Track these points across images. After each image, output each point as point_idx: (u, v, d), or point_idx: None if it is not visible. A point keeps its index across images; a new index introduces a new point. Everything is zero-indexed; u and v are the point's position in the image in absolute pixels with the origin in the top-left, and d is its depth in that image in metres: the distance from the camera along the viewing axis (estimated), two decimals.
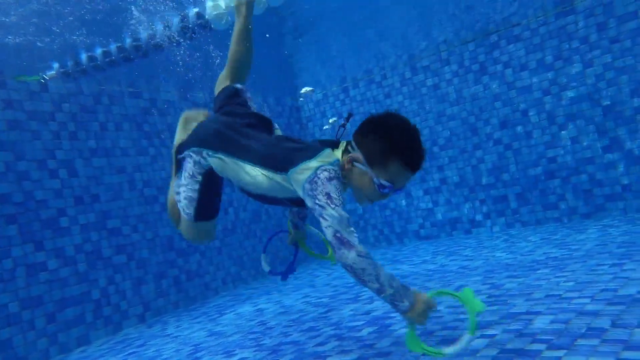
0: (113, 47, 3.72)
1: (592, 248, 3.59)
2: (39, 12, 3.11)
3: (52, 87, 4.16)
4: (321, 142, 1.91)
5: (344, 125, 1.96)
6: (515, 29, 5.48)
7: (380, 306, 3.10)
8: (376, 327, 2.63)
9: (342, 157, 1.85)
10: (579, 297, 2.38)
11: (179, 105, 5.43)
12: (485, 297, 2.76)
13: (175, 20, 3.54)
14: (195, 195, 2.09)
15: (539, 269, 3.23)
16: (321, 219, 1.73)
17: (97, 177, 4.37)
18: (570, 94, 5.20)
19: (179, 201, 2.17)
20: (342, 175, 1.84)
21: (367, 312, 3.02)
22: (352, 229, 1.72)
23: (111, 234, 4.36)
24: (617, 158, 4.97)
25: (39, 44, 3.65)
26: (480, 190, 5.82)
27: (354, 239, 1.71)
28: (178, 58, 4.32)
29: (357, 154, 1.81)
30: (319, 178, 1.74)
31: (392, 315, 2.80)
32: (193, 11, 3.44)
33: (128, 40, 3.63)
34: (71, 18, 3.34)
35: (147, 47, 3.59)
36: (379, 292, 1.72)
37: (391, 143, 1.76)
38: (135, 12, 3.33)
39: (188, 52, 4.18)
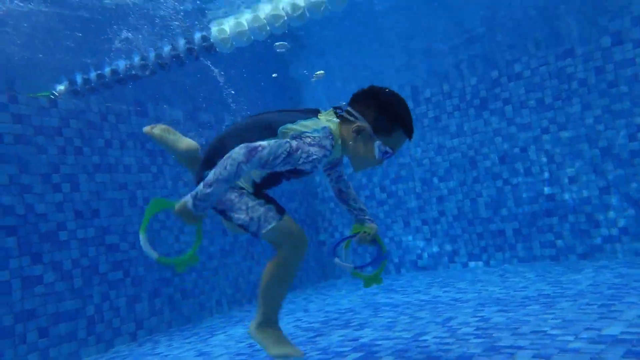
0: (122, 65, 3.86)
1: (584, 288, 3.59)
2: (48, 29, 3.26)
3: (61, 103, 4.29)
4: (305, 111, 2.04)
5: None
6: (516, 66, 5.61)
7: (369, 332, 3.11)
8: (362, 354, 2.64)
9: (338, 126, 1.99)
10: (564, 335, 2.40)
11: (185, 124, 5.55)
12: (472, 330, 2.77)
13: (181, 42, 3.69)
14: (258, 201, 2.11)
15: (529, 305, 3.23)
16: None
17: (99, 193, 4.45)
18: (568, 134, 5.28)
19: (255, 221, 2.09)
20: (343, 143, 1.99)
21: (356, 339, 3.03)
22: (269, 161, 1.84)
23: (109, 250, 4.41)
24: (614, 200, 5.01)
25: (49, 61, 3.80)
26: (479, 224, 5.85)
27: (254, 162, 1.82)
28: (184, 78, 4.46)
29: (364, 124, 1.96)
30: (302, 140, 1.88)
31: (379, 342, 2.81)
32: (199, 35, 3.59)
33: (136, 59, 3.77)
34: (80, 34, 3.47)
35: (155, 66, 3.73)
36: (204, 185, 1.86)
37: (395, 114, 1.97)
38: (143, 34, 3.48)
39: (193, 73, 4.32)
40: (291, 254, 2.13)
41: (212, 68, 4.11)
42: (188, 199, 1.92)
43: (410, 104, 6.53)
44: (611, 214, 5.01)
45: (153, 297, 4.70)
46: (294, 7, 3.40)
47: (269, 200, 2.20)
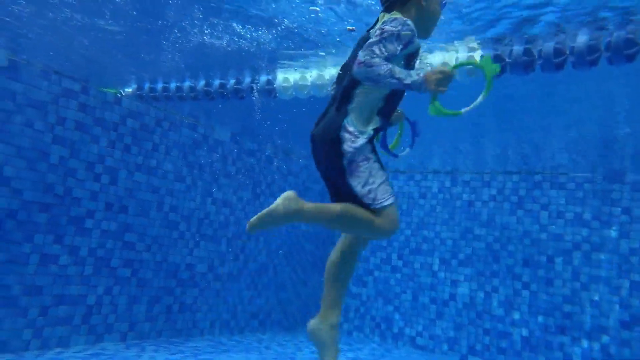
0: (186, 85, 4.09)
1: None
2: (131, 38, 3.51)
3: (124, 101, 4.56)
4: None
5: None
6: (561, 176, 5.56)
7: None
8: None
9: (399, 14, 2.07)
10: None
11: (228, 146, 5.75)
12: None
13: (247, 79, 3.89)
14: (382, 171, 2.06)
15: None
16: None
17: (132, 191, 4.64)
18: (600, 256, 5.14)
19: (378, 196, 2.01)
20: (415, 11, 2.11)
21: None
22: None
23: (124, 247, 4.55)
24: (634, 336, 4.79)
25: (125, 63, 4.08)
26: (488, 320, 5.69)
27: (386, 46, 1.92)
28: (238, 108, 4.66)
29: None
30: (391, 24, 1.99)
31: None
32: (265, 78, 3.78)
33: (201, 83, 4.00)
34: (156, 47, 3.71)
35: (216, 93, 3.94)
36: (389, 73, 1.88)
37: None
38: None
39: (248, 106, 4.49)
40: (379, 233, 2.10)
41: (267, 106, 4.29)
42: (416, 83, 1.91)
43: (448, 183, 6.57)
44: (626, 350, 4.78)
45: (153, 302, 4.78)
46: None
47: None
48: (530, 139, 4.99)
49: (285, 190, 2.08)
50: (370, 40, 1.96)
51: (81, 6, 3.05)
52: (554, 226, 5.49)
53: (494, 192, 6.02)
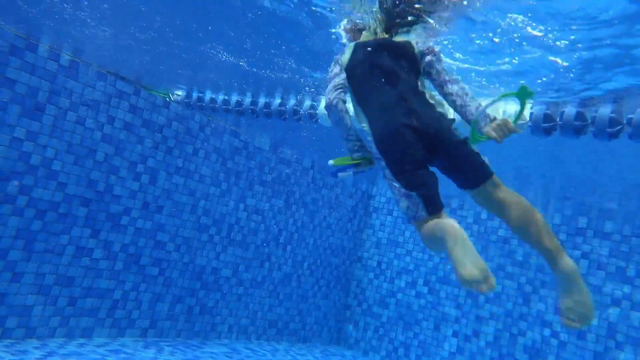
0: (234, 98, 4.14)
1: None
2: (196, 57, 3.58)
3: (172, 106, 4.67)
4: None
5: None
6: (607, 225, 5.28)
7: None
8: None
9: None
10: None
11: (267, 154, 5.79)
12: None
13: (291, 102, 3.89)
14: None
15: None
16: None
17: (169, 192, 4.74)
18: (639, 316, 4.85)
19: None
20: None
21: None
22: None
23: (155, 246, 4.66)
24: None
25: (180, 71, 4.16)
26: None
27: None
28: (279, 123, 4.68)
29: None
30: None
31: None
32: (308, 102, 3.77)
33: (248, 99, 4.04)
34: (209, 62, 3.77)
35: (260, 111, 3.96)
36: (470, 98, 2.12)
37: None
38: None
39: (289, 123, 4.50)
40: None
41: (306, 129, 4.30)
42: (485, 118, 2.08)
43: (484, 215, 6.31)
44: None
45: (175, 302, 4.88)
46: None
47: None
48: (578, 180, 4.75)
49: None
50: (436, 51, 2.21)
51: (148, 24, 3.14)
52: (593, 277, 5.22)
53: None
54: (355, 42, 2.38)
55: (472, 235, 6.18)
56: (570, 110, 2.66)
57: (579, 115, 2.66)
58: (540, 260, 5.58)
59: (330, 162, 2.22)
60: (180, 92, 4.65)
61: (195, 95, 4.43)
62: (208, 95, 4.30)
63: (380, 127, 2.15)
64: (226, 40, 3.12)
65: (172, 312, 4.86)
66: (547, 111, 2.74)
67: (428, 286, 6.37)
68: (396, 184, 2.09)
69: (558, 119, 2.72)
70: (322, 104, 3.68)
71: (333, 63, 2.34)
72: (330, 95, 2.23)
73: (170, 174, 4.74)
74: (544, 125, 2.71)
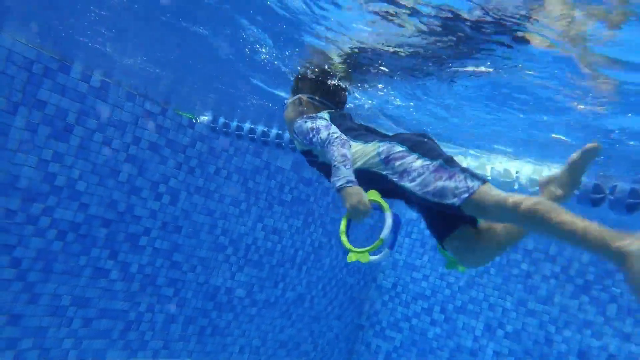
0: (259, 129, 4.05)
1: None
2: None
3: (198, 127, 4.60)
4: None
5: None
6: None
7: None
8: None
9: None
10: None
11: (287, 174, 5.69)
12: None
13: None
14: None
15: None
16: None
17: (188, 213, 4.68)
18: None
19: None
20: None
21: None
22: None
23: (172, 266, 4.60)
24: None
25: (210, 95, 4.09)
26: None
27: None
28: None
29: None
30: None
31: None
32: None
33: (275, 131, 3.95)
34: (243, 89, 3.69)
35: (286, 145, 3.88)
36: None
37: None
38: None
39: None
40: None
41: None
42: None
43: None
44: None
45: (188, 322, 4.82)
46: None
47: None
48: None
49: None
50: None
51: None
52: (620, 322, 5.02)
53: (557, 269, 5.59)
54: None
55: (493, 266, 6.02)
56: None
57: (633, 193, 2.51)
58: (564, 300, 5.41)
59: (352, 258, 1.98)
60: (206, 117, 4.58)
61: (221, 120, 4.35)
62: (235, 122, 4.22)
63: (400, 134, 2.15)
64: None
65: (184, 333, 4.80)
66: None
67: (444, 314, 6.22)
68: (435, 162, 1.88)
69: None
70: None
71: None
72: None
73: (190, 194, 4.67)
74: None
